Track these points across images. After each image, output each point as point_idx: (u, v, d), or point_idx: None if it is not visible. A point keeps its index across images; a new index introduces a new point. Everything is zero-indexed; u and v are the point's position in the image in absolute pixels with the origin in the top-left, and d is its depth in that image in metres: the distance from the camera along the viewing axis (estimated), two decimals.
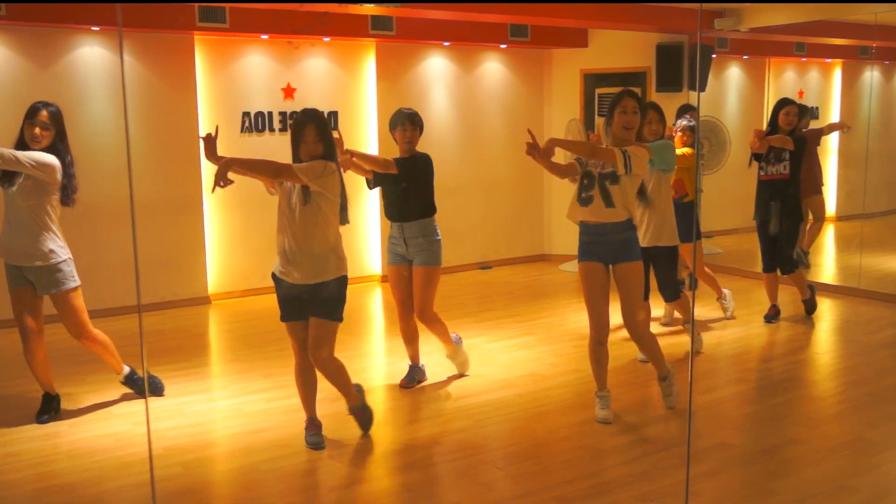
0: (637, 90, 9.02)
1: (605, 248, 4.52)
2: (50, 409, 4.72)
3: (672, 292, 5.70)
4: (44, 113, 4.48)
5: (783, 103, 6.43)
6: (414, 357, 5.27)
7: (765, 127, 6.55)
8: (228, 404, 4.96)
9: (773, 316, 6.63)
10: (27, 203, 4.47)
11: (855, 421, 4.59)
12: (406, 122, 4.96)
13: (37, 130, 4.45)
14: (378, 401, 5.12)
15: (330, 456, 4.18)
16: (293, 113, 7.88)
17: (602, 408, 4.59)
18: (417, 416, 4.81)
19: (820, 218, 8.20)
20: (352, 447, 4.30)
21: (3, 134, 6.59)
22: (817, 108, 9.62)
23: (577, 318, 6.90)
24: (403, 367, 5.38)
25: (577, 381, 5.25)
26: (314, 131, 4.05)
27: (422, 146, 5.09)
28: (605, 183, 4.47)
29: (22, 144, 4.50)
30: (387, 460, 4.25)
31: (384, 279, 8.50)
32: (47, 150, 4.48)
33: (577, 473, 3.93)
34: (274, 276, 4.20)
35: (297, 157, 4.12)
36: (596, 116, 9.18)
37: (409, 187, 4.95)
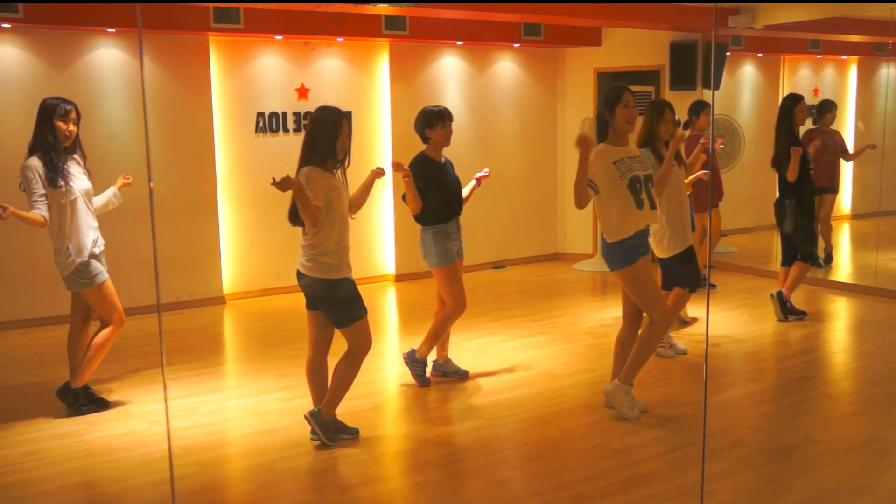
0: (651, 88, 9.03)
1: (645, 246, 4.60)
2: (78, 401, 4.82)
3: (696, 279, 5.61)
4: (74, 112, 4.64)
5: (796, 99, 6.40)
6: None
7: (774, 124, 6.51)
8: (243, 403, 4.99)
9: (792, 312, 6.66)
10: (89, 203, 4.76)
11: (871, 420, 4.57)
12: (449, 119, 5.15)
13: (72, 128, 4.63)
14: (392, 399, 5.14)
15: (344, 455, 4.19)
16: (307, 113, 7.91)
17: (635, 405, 4.66)
18: (432, 414, 4.82)
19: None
20: (366, 446, 4.32)
21: (20, 134, 6.67)
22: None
23: (592, 317, 6.90)
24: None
25: (592, 380, 5.25)
26: (349, 127, 4.21)
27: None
28: (648, 186, 4.57)
29: (42, 143, 4.55)
30: (401, 459, 4.27)
31: (398, 279, 8.52)
32: (72, 146, 4.70)
33: (591, 472, 3.93)
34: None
35: (330, 150, 4.14)
36: None
37: (458, 184, 5.20)
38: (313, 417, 4.28)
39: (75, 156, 4.74)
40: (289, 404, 4.90)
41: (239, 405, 4.97)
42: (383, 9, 6.90)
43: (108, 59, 7.00)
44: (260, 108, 7.75)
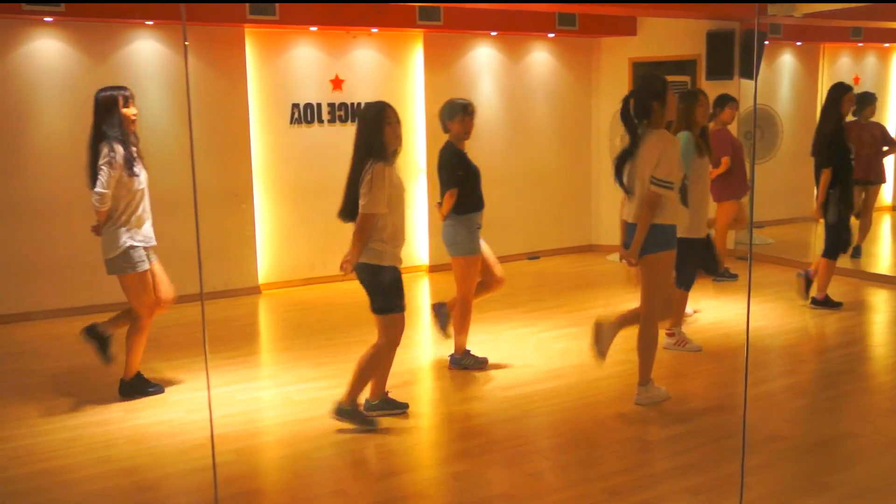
0: (686, 78, 8.93)
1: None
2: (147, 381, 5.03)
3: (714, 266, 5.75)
4: (131, 95, 4.79)
5: (844, 89, 6.32)
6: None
7: (818, 115, 6.44)
8: (279, 393, 5.04)
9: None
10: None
11: None
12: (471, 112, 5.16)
13: (134, 110, 4.77)
14: (426, 390, 5.16)
15: (378, 444, 4.22)
16: (342, 104, 7.94)
17: (661, 392, 4.73)
18: (465, 405, 4.82)
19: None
20: (401, 435, 4.34)
21: (61, 123, 6.79)
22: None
23: (625, 309, 6.84)
24: (448, 356, 5.42)
25: (625, 372, 5.21)
26: (395, 116, 4.29)
27: (471, 136, 5.21)
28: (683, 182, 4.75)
29: (110, 133, 4.65)
30: (435, 449, 4.28)
31: (432, 269, 8.53)
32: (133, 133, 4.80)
33: (626, 464, 3.92)
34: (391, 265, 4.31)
35: (379, 142, 4.22)
36: None
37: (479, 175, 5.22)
38: (337, 414, 4.36)
39: (138, 145, 4.87)
40: (324, 393, 4.93)
41: (274, 394, 5.02)
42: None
43: (146, 51, 7.08)
44: (295, 100, 7.79)
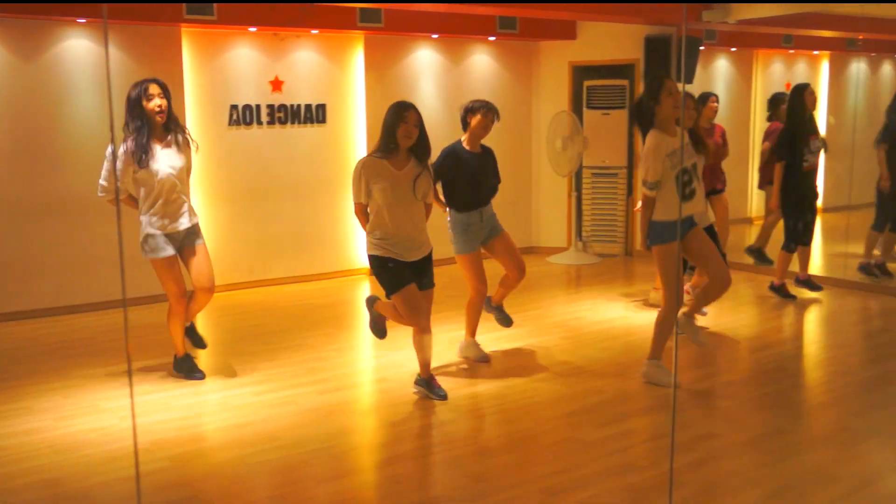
0: (625, 82, 9.06)
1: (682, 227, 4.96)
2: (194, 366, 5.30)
3: None
4: (156, 87, 4.86)
5: (805, 86, 6.73)
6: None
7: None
8: (216, 398, 4.96)
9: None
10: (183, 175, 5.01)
11: (840, 411, 4.63)
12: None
13: (160, 102, 4.84)
14: (365, 393, 5.13)
15: (317, 448, 4.18)
16: (281, 106, 7.86)
17: (667, 374, 4.98)
18: (405, 408, 4.80)
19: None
20: (340, 439, 4.31)
21: None
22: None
23: (565, 311, 6.93)
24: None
25: (564, 373, 5.27)
26: (417, 117, 4.53)
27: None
28: (694, 175, 4.94)
29: (132, 127, 4.81)
30: (374, 452, 4.26)
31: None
32: (168, 121, 4.92)
33: (564, 465, 3.95)
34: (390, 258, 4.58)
35: (391, 140, 4.48)
36: (584, 109, 9.18)
37: (488, 173, 5.61)
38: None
39: (169, 136, 4.95)
40: (261, 398, 4.87)
41: (211, 399, 4.94)
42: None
43: (77, 50, 6.90)
44: (233, 101, 7.69)
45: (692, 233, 4.96)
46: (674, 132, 4.80)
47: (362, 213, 4.64)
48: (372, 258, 4.63)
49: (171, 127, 4.94)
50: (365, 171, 4.52)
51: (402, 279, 4.55)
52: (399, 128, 4.45)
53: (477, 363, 5.51)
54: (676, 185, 4.77)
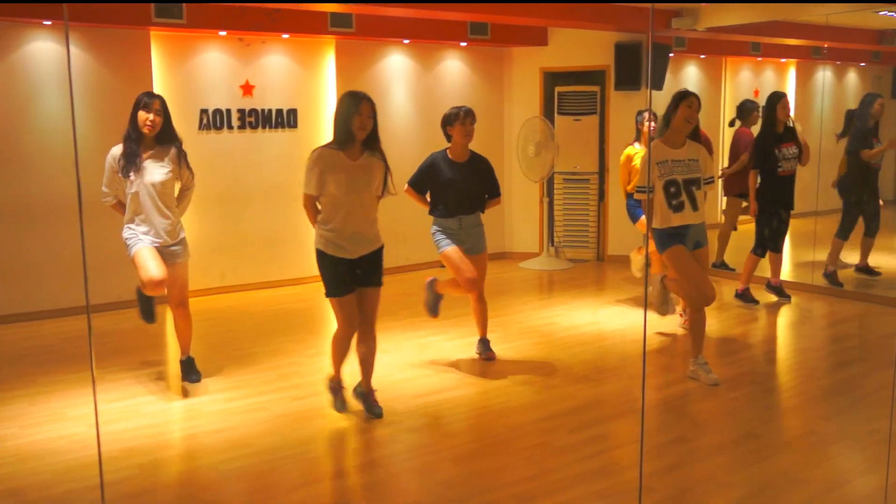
0: (596, 88, 9.11)
1: (687, 237, 5.12)
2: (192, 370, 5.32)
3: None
4: (157, 104, 4.88)
5: (779, 96, 6.79)
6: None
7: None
8: (186, 405, 4.90)
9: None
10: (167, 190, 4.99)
11: (808, 415, 4.68)
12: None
13: (152, 117, 4.84)
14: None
15: (288, 456, 4.14)
16: (252, 110, 7.81)
17: (708, 371, 5.15)
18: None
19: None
20: (310, 446, 4.28)
21: None
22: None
23: (537, 316, 6.94)
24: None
25: (536, 379, 5.28)
26: (371, 108, 4.40)
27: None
28: (692, 188, 5.05)
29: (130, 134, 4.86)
30: (345, 459, 4.24)
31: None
32: (160, 135, 4.92)
33: (536, 470, 3.95)
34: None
35: (346, 131, 4.38)
36: (556, 115, 9.23)
37: (472, 182, 5.52)
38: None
39: (158, 149, 4.96)
40: (232, 404, 4.83)
41: (181, 406, 4.88)
42: (329, 6, 6.84)
43: (43, 52, 6.80)
44: (204, 105, 7.63)
45: (696, 253, 5.17)
46: (677, 143, 5.05)
47: (311, 205, 4.50)
48: (319, 252, 4.49)
49: (163, 141, 4.93)
50: (320, 162, 4.39)
51: (344, 286, 4.45)
52: (354, 119, 4.33)
53: (483, 361, 5.68)
54: (664, 194, 5.00)
